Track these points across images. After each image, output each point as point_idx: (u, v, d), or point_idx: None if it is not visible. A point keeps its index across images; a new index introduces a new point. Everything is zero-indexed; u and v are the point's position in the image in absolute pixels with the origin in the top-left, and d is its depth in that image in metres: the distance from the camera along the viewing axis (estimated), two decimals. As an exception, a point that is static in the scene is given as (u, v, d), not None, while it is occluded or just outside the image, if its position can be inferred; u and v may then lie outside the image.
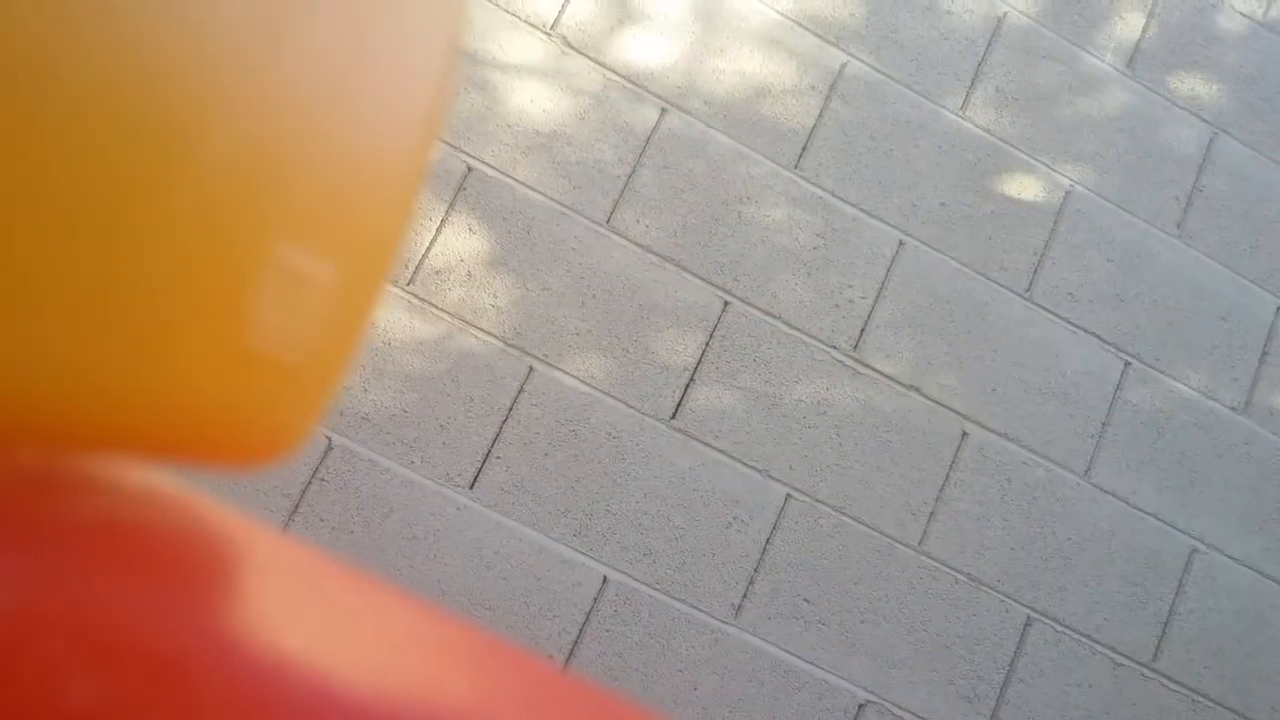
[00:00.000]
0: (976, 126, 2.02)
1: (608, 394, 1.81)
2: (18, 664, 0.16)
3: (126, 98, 0.15)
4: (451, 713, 0.18)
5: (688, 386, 1.84)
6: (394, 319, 1.76)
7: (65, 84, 0.14)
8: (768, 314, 1.89)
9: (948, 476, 1.92)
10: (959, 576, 1.89)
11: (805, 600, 1.83)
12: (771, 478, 1.85)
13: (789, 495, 1.85)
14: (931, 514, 1.90)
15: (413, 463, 1.73)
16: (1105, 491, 1.97)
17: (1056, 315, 2.00)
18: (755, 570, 1.82)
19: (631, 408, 1.82)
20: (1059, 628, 1.92)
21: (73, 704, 0.16)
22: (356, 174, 0.20)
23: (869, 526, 1.87)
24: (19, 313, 0.15)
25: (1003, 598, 1.90)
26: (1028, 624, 1.91)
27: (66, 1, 0.14)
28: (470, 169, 1.82)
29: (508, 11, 1.86)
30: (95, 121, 0.15)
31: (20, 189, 0.15)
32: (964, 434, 1.93)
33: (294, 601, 0.20)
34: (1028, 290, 2.00)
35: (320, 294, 0.21)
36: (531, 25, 1.87)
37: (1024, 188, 2.03)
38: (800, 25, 1.97)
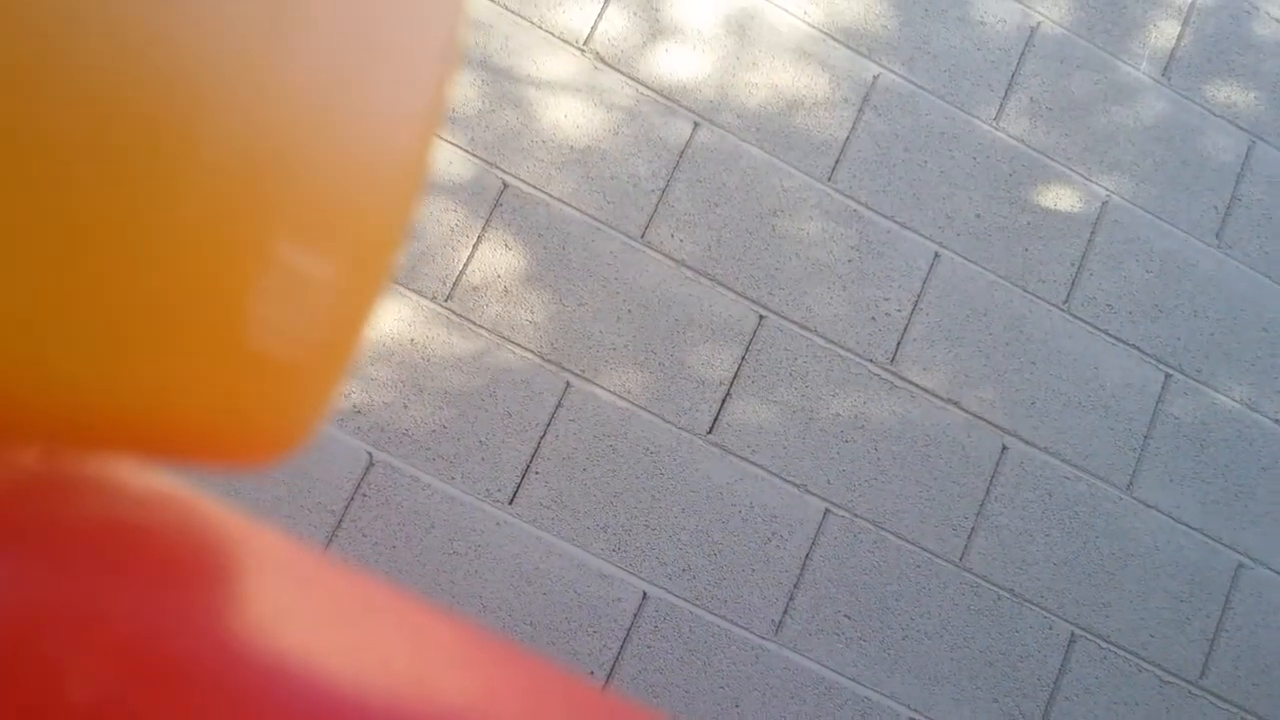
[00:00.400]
0: (1011, 137, 2.01)
1: (644, 409, 1.80)
2: (18, 664, 0.16)
3: (127, 97, 0.15)
4: (451, 711, 0.18)
5: (724, 401, 1.83)
6: (433, 335, 1.76)
7: (66, 84, 0.14)
8: (803, 327, 1.87)
9: (988, 491, 1.89)
10: (1001, 592, 1.87)
11: (846, 616, 1.81)
12: (810, 492, 1.83)
13: (828, 510, 1.83)
14: (972, 529, 1.88)
15: (453, 478, 1.72)
16: (1148, 506, 1.95)
17: (1095, 327, 1.98)
18: (795, 586, 1.81)
19: (668, 422, 1.81)
20: (1104, 644, 1.89)
21: (73, 703, 0.16)
22: (357, 173, 0.20)
23: (909, 542, 1.85)
24: (19, 312, 0.15)
25: (1046, 614, 1.87)
26: (1072, 641, 1.88)
27: (66, 4, 0.14)
28: (506, 185, 1.81)
29: (541, 29, 1.86)
30: (95, 121, 0.15)
31: (20, 189, 0.14)
32: (1004, 448, 1.91)
33: (294, 601, 0.20)
34: (1066, 302, 1.98)
35: (321, 293, 0.21)
36: (565, 42, 1.87)
37: (1060, 198, 2.01)
38: (832, 38, 1.97)
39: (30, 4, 0.14)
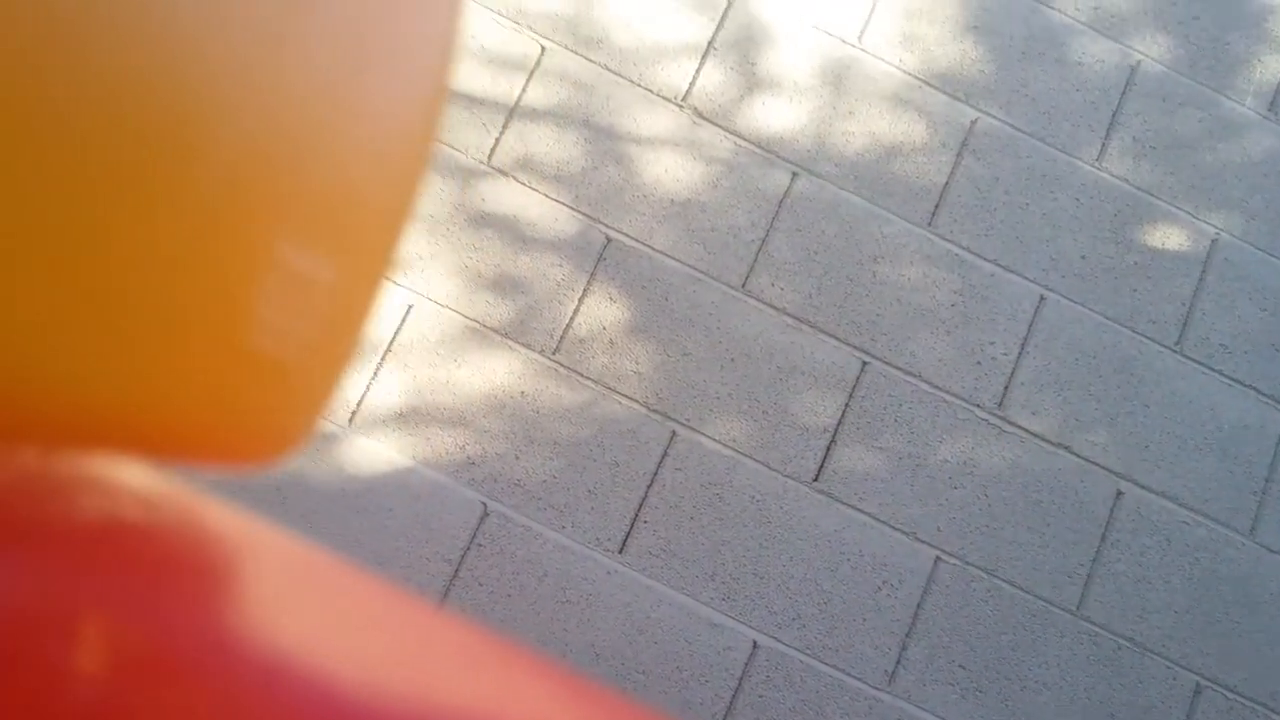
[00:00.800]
0: (1114, 177, 1.99)
1: (750, 456, 1.80)
2: (18, 664, 0.16)
3: (129, 99, 0.15)
4: (453, 712, 0.18)
5: (829, 448, 1.82)
6: (541, 387, 1.79)
7: (67, 85, 0.14)
8: (907, 373, 1.86)
9: (1104, 537, 1.85)
10: (1121, 641, 1.82)
11: (961, 666, 1.78)
12: (919, 540, 1.81)
13: (938, 558, 1.81)
14: (1089, 576, 1.83)
15: (564, 527, 1.75)
16: (1273, 551, 1.88)
17: (1209, 368, 1.94)
18: (908, 635, 1.78)
19: (774, 470, 1.81)
20: (1230, 695, 1.82)
21: (73, 703, 0.16)
22: (357, 174, 0.20)
23: (1024, 589, 1.82)
24: (19, 313, 0.15)
25: (1169, 664, 1.82)
26: (1197, 691, 1.81)
27: (67, 4, 0.14)
28: (609, 240, 1.85)
29: (640, 86, 1.90)
30: (95, 121, 0.15)
31: (21, 189, 0.15)
32: (1118, 493, 1.87)
33: (295, 601, 0.20)
34: (1178, 343, 1.94)
35: (322, 293, 0.21)
36: (664, 99, 1.91)
37: (1167, 237, 1.98)
38: (928, 84, 1.97)
39: (35, 5, 0.14)
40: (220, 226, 0.17)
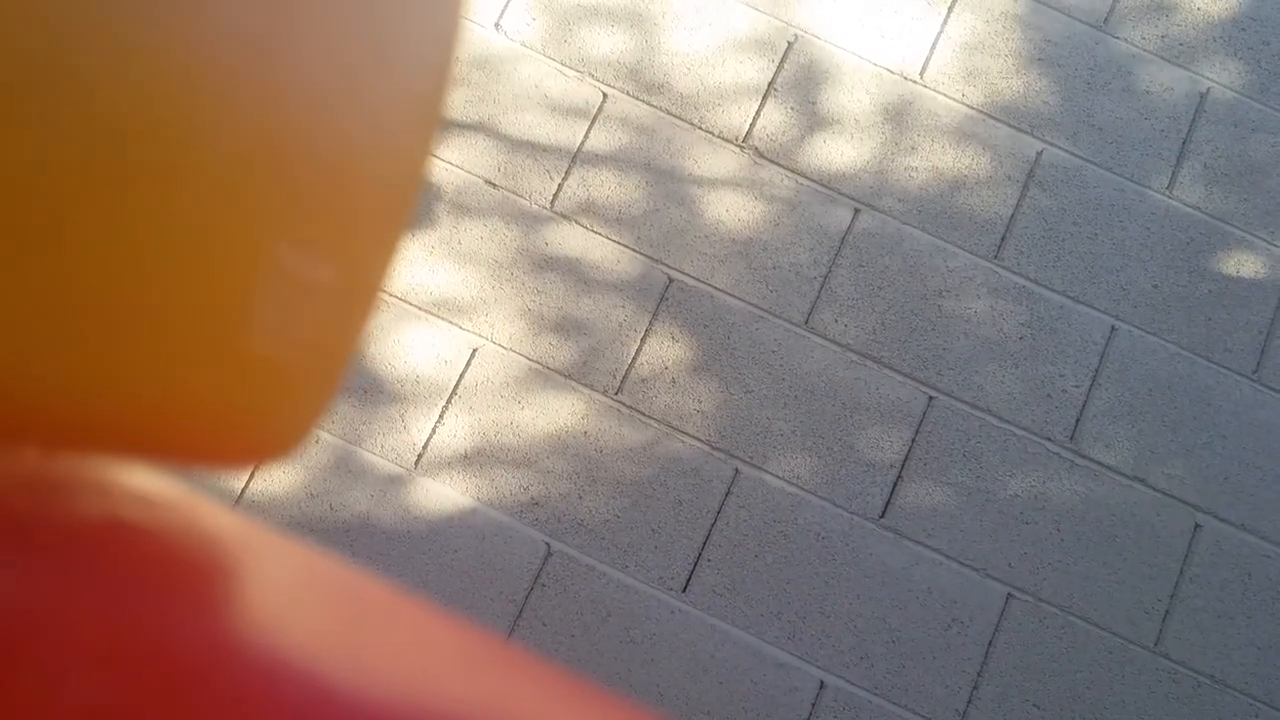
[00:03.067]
0: (1186, 205, 1.96)
1: (814, 494, 1.80)
2: (14, 667, 0.16)
3: (125, 98, 0.15)
4: (454, 714, 0.18)
5: (896, 484, 1.82)
6: (604, 427, 1.81)
7: (64, 84, 0.14)
8: (975, 407, 1.85)
9: (1182, 571, 1.81)
10: (1202, 679, 1.77)
11: (1035, 706, 1.75)
12: (990, 576, 1.79)
13: (1010, 595, 1.79)
14: (1167, 612, 1.79)
15: (627, 567, 1.76)
16: (1364, 585, 1.82)
17: (1291, 396, 1.89)
18: (979, 674, 1.76)
19: (839, 507, 1.80)
20: (1322, 736, 1.76)
21: (70, 707, 0.16)
22: (357, 176, 0.20)
23: (1099, 626, 1.78)
24: (17, 313, 0.15)
25: (1252, 701, 1.76)
26: (1286, 731, 1.76)
27: (63, 1, 0.14)
28: (671, 280, 1.87)
29: (701, 129, 1.93)
30: (94, 121, 0.15)
31: (17, 189, 0.15)
32: (1196, 526, 1.83)
33: (297, 604, 0.20)
34: (1255, 372, 1.89)
35: (320, 296, 0.21)
36: (724, 140, 1.93)
37: (1242, 265, 1.94)
38: (992, 117, 1.97)
39: (28, 3, 0.14)
40: (219, 227, 0.17)
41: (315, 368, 0.22)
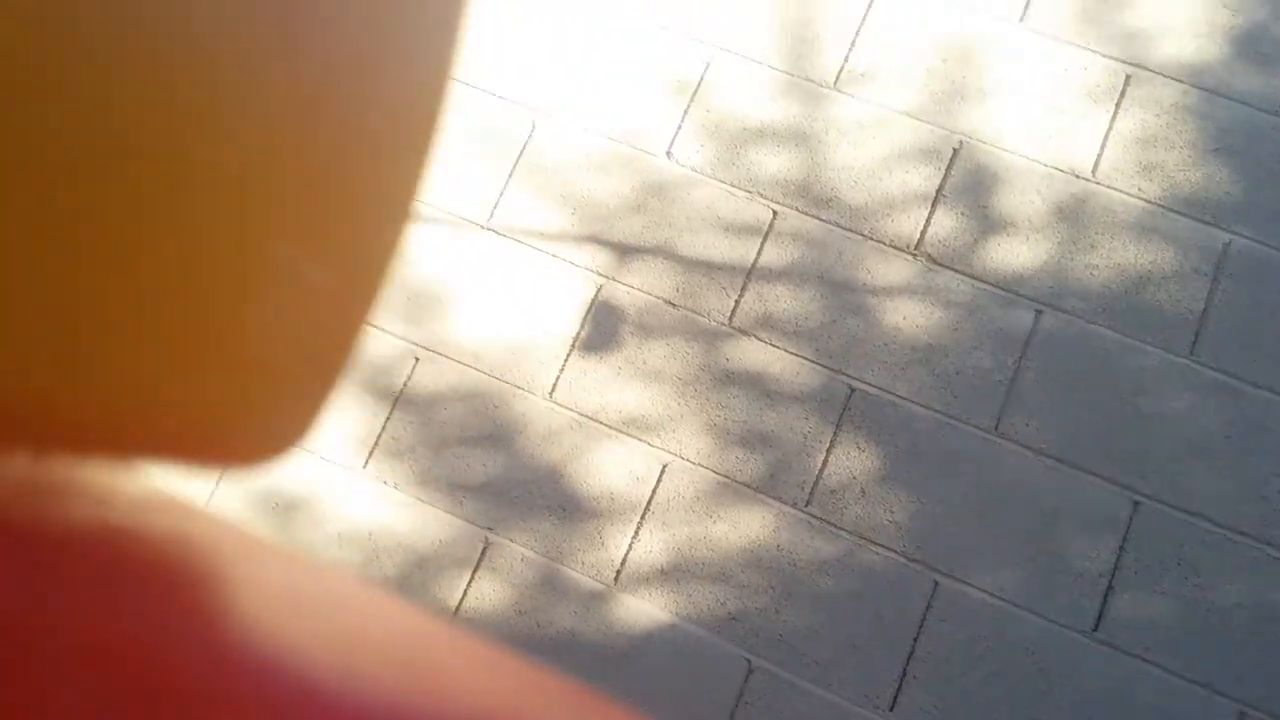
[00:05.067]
0: (1397, 288, 1.85)
1: (1019, 606, 1.72)
2: (12, 670, 0.15)
3: (124, 98, 0.15)
4: (450, 717, 0.17)
5: (1106, 595, 1.72)
6: (797, 540, 1.78)
7: (61, 85, 0.14)
8: (1185, 511, 1.75)
9: None
10: None
11: (1287, 835, 1.59)
12: (1217, 692, 1.66)
13: (1242, 712, 1.65)
14: None
15: (829, 684, 1.70)
16: None
17: None
18: (1219, 799, 1.61)
19: (1049, 620, 1.71)
20: None
21: (67, 711, 0.15)
22: (356, 178, 0.20)
23: (1351, 746, 1.63)
24: (15, 315, 0.15)
25: None
26: None
27: (61, 2, 0.14)
28: (853, 390, 1.85)
29: (872, 239, 1.93)
30: (92, 122, 0.15)
31: (15, 192, 0.14)
32: None
33: (292, 611, 0.19)
34: None
35: (318, 299, 0.20)
36: (896, 248, 1.92)
37: None
38: (1173, 210, 1.91)
39: (28, 5, 0.14)
40: (218, 230, 0.17)
41: (314, 371, 0.22)
